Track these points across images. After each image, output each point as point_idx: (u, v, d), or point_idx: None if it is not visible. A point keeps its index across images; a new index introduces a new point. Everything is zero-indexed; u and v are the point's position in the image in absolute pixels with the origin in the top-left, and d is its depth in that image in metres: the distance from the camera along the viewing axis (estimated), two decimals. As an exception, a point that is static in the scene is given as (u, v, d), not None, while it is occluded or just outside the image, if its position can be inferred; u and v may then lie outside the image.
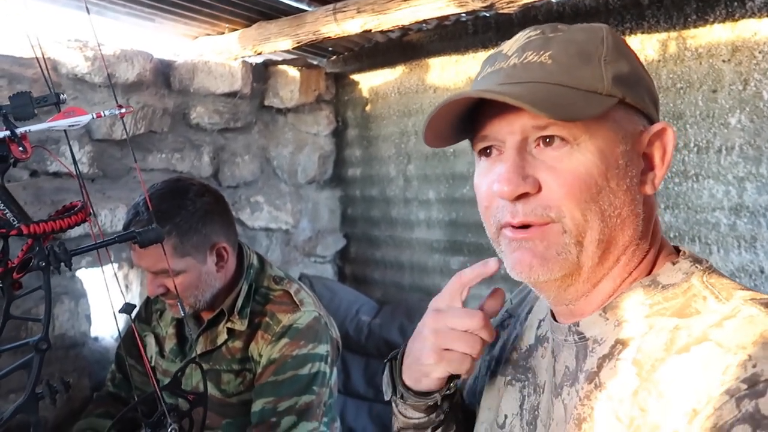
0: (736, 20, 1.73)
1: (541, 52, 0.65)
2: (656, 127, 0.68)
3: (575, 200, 0.63)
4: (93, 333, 2.11)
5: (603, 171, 0.63)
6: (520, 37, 0.69)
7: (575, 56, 0.65)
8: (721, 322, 0.59)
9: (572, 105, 0.62)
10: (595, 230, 0.64)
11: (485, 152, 0.70)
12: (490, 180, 0.67)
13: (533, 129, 0.64)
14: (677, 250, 0.71)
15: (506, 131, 0.66)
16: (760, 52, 1.69)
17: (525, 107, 0.60)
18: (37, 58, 0.69)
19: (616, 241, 0.66)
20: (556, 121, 0.62)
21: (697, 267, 0.66)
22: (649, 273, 0.68)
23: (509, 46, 0.69)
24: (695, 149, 1.83)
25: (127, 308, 0.72)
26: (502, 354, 0.86)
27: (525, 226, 0.65)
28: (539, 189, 0.64)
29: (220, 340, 1.46)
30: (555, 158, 0.64)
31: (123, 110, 0.72)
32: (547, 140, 0.64)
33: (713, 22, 1.77)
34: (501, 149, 0.67)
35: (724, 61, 1.76)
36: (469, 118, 0.70)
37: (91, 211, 0.70)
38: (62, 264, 0.65)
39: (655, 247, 0.70)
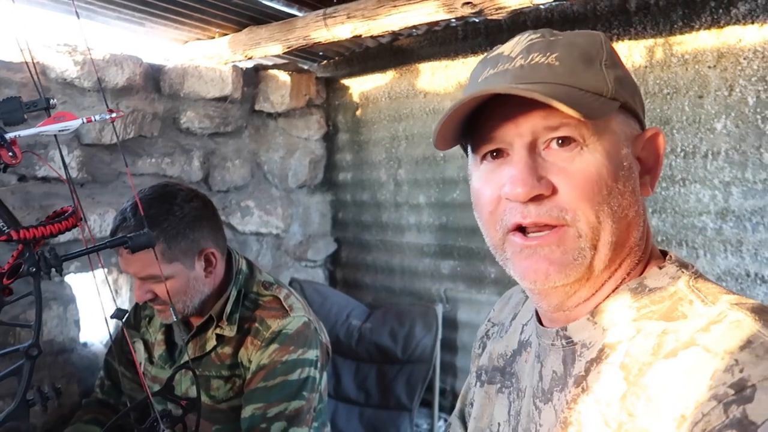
0: (722, 27, 1.75)
1: (548, 54, 0.65)
2: (650, 131, 0.69)
3: (589, 202, 0.63)
4: (82, 339, 2.10)
5: (612, 172, 0.63)
6: (521, 40, 0.68)
7: (579, 59, 0.65)
8: (708, 326, 0.59)
9: (588, 105, 0.62)
10: (607, 232, 0.64)
11: (491, 155, 0.68)
12: (497, 183, 0.66)
13: (544, 130, 0.63)
14: (663, 255, 0.71)
15: (515, 133, 0.65)
16: (744, 59, 1.71)
17: (556, 105, 0.59)
18: (26, 63, 0.69)
19: (623, 243, 0.66)
20: (568, 122, 0.62)
21: (683, 272, 0.67)
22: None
23: (510, 48, 0.68)
24: (682, 154, 1.85)
25: (119, 313, 0.72)
26: (489, 363, 0.86)
27: (536, 230, 0.65)
28: (553, 191, 0.63)
29: (209, 346, 1.45)
30: (566, 159, 0.63)
31: (113, 115, 0.72)
32: (560, 141, 0.64)
33: (699, 29, 1.80)
34: (508, 152, 0.66)
35: (709, 67, 1.78)
36: (467, 122, 0.68)
37: (82, 216, 0.69)
38: (53, 269, 0.65)
39: (648, 251, 0.70)
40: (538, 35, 0.68)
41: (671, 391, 0.57)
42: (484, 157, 0.69)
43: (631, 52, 1.93)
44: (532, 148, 0.64)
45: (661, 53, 1.88)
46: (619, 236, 0.65)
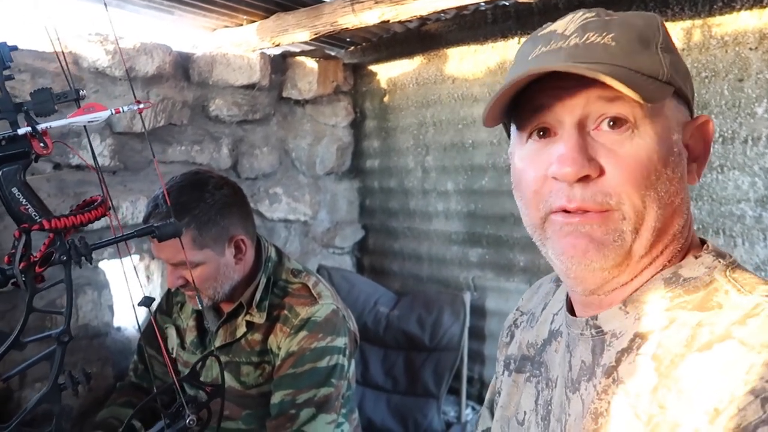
0: (764, 7, 1.68)
1: (604, 34, 0.63)
2: (701, 119, 0.67)
3: (636, 187, 0.61)
4: (115, 323, 2.15)
5: (662, 157, 0.62)
6: (575, 18, 0.67)
7: (635, 40, 0.63)
8: (745, 319, 0.57)
9: (646, 87, 0.60)
10: (651, 217, 0.62)
11: (538, 134, 0.66)
12: (543, 163, 0.65)
13: (598, 101, 0.62)
14: (702, 243, 0.70)
15: (565, 110, 0.63)
16: (788, 40, 1.64)
17: (618, 86, 0.58)
18: (56, 53, 0.69)
19: (667, 229, 0.65)
20: (625, 102, 0.61)
21: (720, 261, 0.65)
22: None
23: (564, 26, 0.67)
24: (720, 140, 1.79)
25: (146, 301, 0.72)
26: (518, 352, 0.85)
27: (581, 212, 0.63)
28: (600, 173, 0.62)
29: (240, 333, 1.47)
30: (616, 142, 0.62)
31: (141, 105, 0.72)
32: (611, 123, 0.62)
33: (740, 10, 1.73)
34: (556, 131, 0.65)
35: (751, 49, 1.71)
36: (513, 99, 0.67)
37: (111, 205, 0.70)
38: (83, 258, 0.66)
39: (689, 240, 0.69)
40: (593, 14, 0.66)
41: (705, 385, 0.56)
42: (530, 136, 0.68)
43: (668, 34, 1.87)
44: (582, 127, 0.63)
45: (699, 35, 1.81)
46: (663, 222, 0.63)
